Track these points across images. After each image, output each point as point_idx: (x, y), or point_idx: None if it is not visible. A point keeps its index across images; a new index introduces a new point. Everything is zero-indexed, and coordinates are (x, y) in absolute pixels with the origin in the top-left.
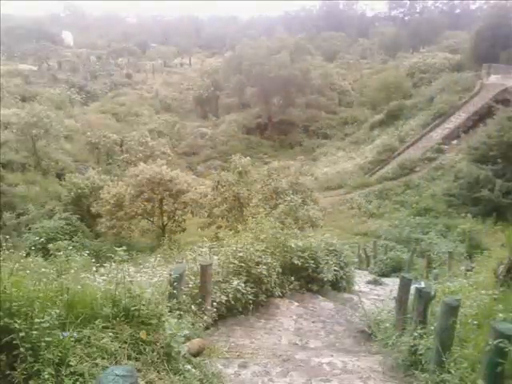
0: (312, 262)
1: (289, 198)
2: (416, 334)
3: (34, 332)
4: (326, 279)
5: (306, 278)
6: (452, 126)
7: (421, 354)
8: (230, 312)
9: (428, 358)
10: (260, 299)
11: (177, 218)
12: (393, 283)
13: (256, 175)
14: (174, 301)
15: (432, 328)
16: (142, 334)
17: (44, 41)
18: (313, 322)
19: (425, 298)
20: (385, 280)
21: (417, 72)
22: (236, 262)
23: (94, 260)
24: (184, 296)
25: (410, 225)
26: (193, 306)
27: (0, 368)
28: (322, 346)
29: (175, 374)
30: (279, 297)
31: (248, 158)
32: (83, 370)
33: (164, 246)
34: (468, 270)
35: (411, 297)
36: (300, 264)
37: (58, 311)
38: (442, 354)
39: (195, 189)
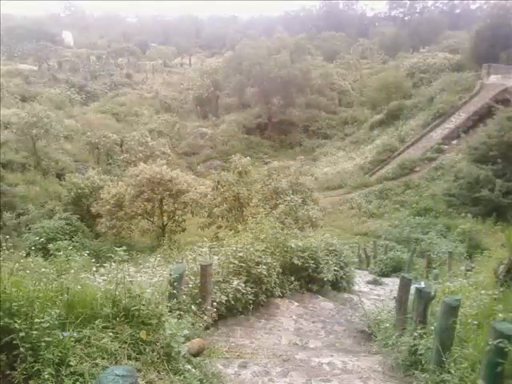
0: (312, 262)
1: (289, 198)
2: (416, 334)
3: (34, 332)
4: (326, 279)
5: (306, 278)
6: (452, 125)
7: (421, 354)
8: (230, 312)
9: (428, 358)
10: (260, 299)
11: (177, 217)
12: (393, 283)
13: (256, 175)
14: (174, 301)
15: (432, 328)
16: (142, 334)
17: (44, 41)
18: (313, 322)
19: (425, 298)
20: (385, 280)
21: (417, 72)
22: (236, 262)
23: (94, 260)
24: (184, 296)
25: (410, 225)
26: (193, 306)
27: (0, 368)
28: (321, 346)
29: (175, 374)
30: (279, 297)
31: (248, 158)
32: (83, 370)
33: (164, 246)
34: (468, 270)
35: (411, 297)
36: (300, 264)
37: (57, 311)
38: (442, 354)
39: (195, 189)
